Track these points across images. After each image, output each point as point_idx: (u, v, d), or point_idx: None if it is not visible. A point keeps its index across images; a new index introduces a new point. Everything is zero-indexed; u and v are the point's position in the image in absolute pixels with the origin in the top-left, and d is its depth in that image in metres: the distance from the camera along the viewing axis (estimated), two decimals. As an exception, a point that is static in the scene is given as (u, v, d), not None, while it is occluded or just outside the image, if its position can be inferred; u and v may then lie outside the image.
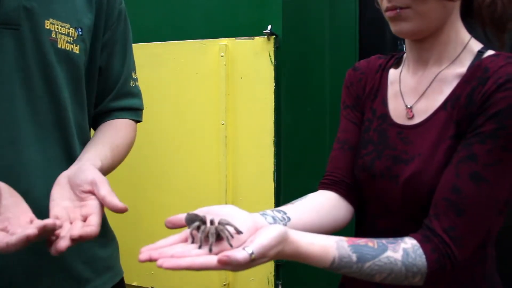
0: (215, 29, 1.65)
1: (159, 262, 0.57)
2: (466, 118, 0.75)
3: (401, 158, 0.81)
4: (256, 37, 1.55)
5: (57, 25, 0.88)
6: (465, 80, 0.77)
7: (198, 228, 0.63)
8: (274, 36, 1.53)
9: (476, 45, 0.81)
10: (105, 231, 1.02)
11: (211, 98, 1.62)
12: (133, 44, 1.78)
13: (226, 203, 1.61)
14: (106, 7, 0.97)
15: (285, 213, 0.79)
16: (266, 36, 1.53)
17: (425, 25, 0.78)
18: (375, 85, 0.92)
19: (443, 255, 0.71)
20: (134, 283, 1.78)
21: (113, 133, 0.99)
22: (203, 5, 1.68)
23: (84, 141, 0.98)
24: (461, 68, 0.80)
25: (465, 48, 0.81)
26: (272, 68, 1.54)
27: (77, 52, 0.91)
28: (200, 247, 0.61)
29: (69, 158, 0.92)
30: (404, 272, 0.70)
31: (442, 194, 0.73)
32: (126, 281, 1.18)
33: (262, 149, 1.57)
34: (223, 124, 1.60)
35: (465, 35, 0.82)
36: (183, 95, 1.67)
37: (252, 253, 0.58)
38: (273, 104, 1.55)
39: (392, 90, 0.89)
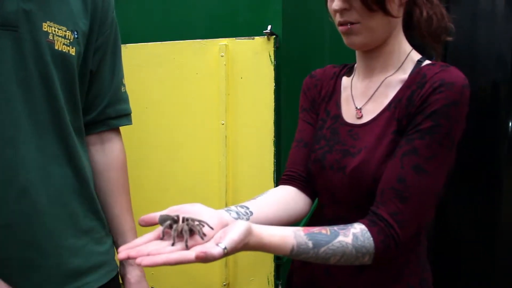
0: (215, 29, 1.65)
1: (137, 260, 0.62)
2: (406, 116, 0.86)
3: (350, 152, 0.91)
4: (256, 37, 1.55)
5: (54, 27, 0.90)
6: (407, 85, 0.88)
7: (170, 226, 0.68)
8: (274, 36, 1.53)
9: (416, 55, 0.93)
10: (101, 227, 1.05)
11: (211, 98, 1.62)
12: (133, 44, 1.79)
13: (226, 203, 1.62)
14: (100, 13, 1.01)
15: (247, 208, 0.87)
16: (266, 36, 1.53)
17: (373, 38, 0.89)
18: (330, 90, 1.02)
19: (388, 236, 0.80)
20: (134, 283, 1.78)
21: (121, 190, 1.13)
22: (203, 5, 1.68)
23: (82, 140, 1.00)
24: (404, 75, 0.91)
25: (407, 57, 0.93)
26: (272, 68, 1.54)
27: (73, 54, 0.94)
28: (173, 244, 0.66)
29: (69, 156, 0.94)
30: (355, 253, 0.79)
31: (388, 183, 0.82)
32: (126, 281, 1.18)
33: (262, 149, 1.57)
34: (223, 124, 1.60)
35: (406, 46, 0.94)
36: (183, 95, 1.67)
37: (225, 248, 0.65)
38: (273, 104, 1.55)
39: (344, 94, 1.00)
